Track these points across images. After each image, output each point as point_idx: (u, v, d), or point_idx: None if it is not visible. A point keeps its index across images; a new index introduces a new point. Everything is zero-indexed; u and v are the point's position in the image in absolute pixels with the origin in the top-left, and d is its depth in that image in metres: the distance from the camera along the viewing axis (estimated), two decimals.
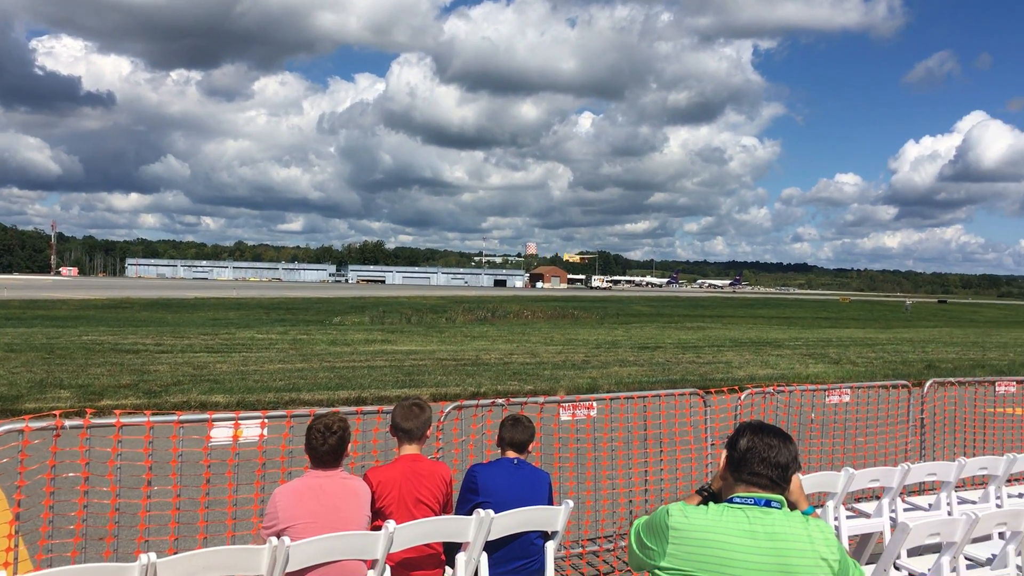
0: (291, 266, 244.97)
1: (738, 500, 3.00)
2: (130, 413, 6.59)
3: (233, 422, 5.80)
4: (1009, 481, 7.66)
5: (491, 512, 4.79)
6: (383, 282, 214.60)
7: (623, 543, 7.31)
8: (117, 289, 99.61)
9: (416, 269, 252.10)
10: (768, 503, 2.97)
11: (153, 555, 3.73)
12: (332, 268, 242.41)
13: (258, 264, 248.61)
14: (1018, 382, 10.86)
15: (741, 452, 3.07)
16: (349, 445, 4.79)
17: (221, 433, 5.79)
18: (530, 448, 5.44)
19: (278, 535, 4.33)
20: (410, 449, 5.13)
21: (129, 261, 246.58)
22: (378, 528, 4.54)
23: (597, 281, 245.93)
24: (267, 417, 5.89)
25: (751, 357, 28.13)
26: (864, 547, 6.82)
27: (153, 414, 5.72)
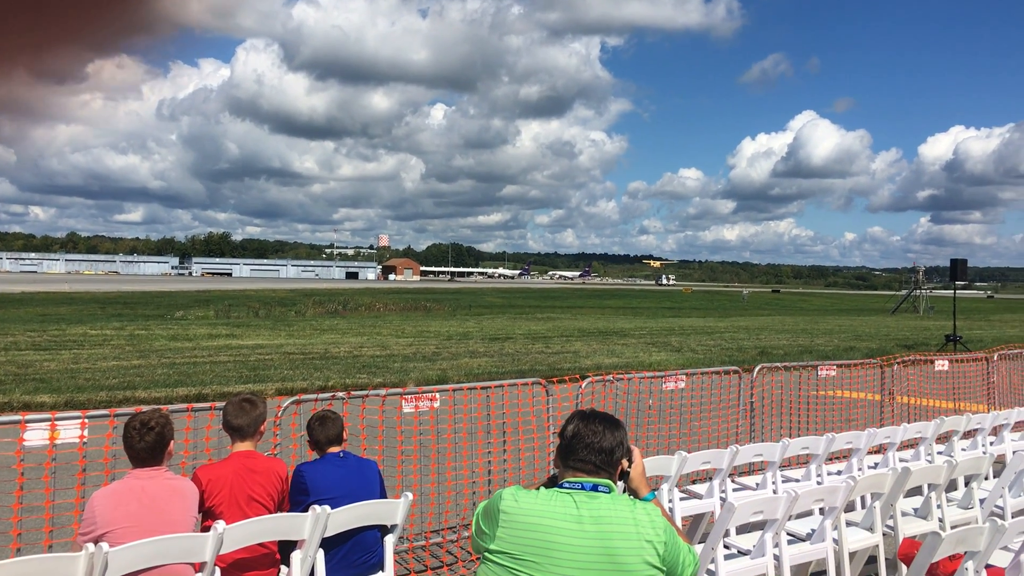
0: (130, 258, 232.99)
1: (567, 485, 3.04)
2: None
3: (49, 423, 5.44)
4: (829, 459, 8.14)
5: (327, 508, 4.69)
6: (230, 275, 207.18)
7: (467, 534, 7.33)
8: None
9: (265, 261, 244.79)
10: (595, 487, 3.02)
11: None
12: (175, 261, 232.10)
13: (93, 256, 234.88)
14: (838, 366, 11.57)
15: (568, 439, 3.11)
16: (171, 443, 4.55)
17: (36, 436, 5.42)
18: (344, 436, 5.33)
19: (96, 541, 4.08)
20: (243, 446, 4.96)
21: None
22: (208, 529, 4.36)
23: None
24: (88, 417, 5.56)
25: (598, 347, 28.83)
26: (697, 527, 7.10)
27: None
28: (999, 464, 7.82)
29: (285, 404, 6.69)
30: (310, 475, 5.08)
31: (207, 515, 4.72)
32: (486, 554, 3.01)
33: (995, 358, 14.25)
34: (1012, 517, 6.42)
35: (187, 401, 13.70)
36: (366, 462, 5.38)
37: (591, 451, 3.06)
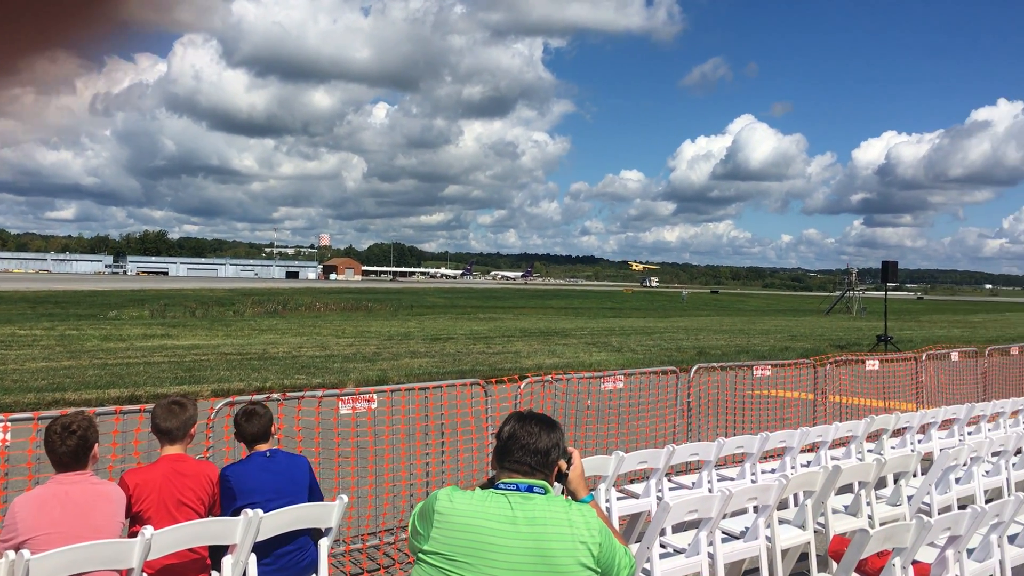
0: (62, 256, 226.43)
1: (502, 486, 3.03)
2: None
3: None
4: (764, 458, 8.27)
5: (259, 512, 4.61)
6: (166, 274, 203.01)
7: (404, 535, 7.28)
8: None
9: (202, 260, 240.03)
10: (530, 488, 3.02)
11: None
12: (109, 259, 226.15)
13: (23, 254, 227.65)
14: (773, 366, 11.77)
15: (504, 440, 3.11)
16: (96, 446, 4.43)
17: None
18: (274, 430, 5.22)
19: (17, 548, 3.95)
20: (172, 450, 4.84)
21: None
22: (135, 534, 4.25)
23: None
24: (11, 420, 5.38)
25: (539, 347, 28.91)
26: (634, 526, 7.15)
27: None
28: (927, 462, 8.03)
29: (218, 406, 6.55)
30: (235, 478, 4.97)
31: (135, 520, 4.60)
32: (420, 555, 3.00)
33: (923, 358, 14.63)
34: (938, 514, 6.58)
35: (119, 403, 13.38)
36: (297, 460, 5.26)
37: (526, 452, 3.06)
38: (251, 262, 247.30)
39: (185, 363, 21.11)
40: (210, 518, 4.74)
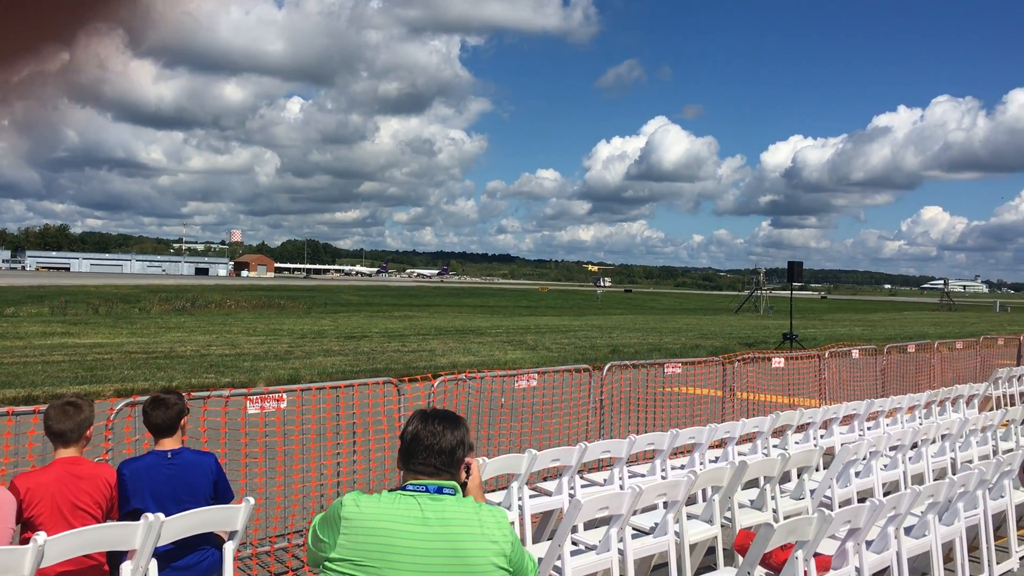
0: None
1: (411, 488, 2.99)
2: None
3: None
4: (674, 454, 8.40)
5: (161, 516, 4.45)
6: (68, 269, 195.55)
7: None
8: None
9: (106, 256, 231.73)
10: (440, 490, 2.98)
11: None
12: (6, 254, 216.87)
13: None
14: (684, 363, 11.98)
15: (408, 442, 3.06)
16: None
17: None
18: (183, 423, 5.04)
19: None
20: (67, 453, 4.64)
21: None
22: (27, 541, 4.06)
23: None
24: None
25: (455, 345, 28.87)
26: (546, 524, 7.18)
27: None
28: (828, 456, 8.26)
29: (119, 406, 6.32)
30: (131, 476, 4.76)
31: (27, 526, 4.40)
32: (326, 563, 2.92)
33: (826, 355, 15.11)
34: (839, 507, 6.78)
35: (15, 404, 12.82)
36: (203, 458, 5.06)
37: (431, 453, 3.01)
38: (158, 258, 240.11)
39: (87, 362, 20.40)
40: (108, 523, 4.57)
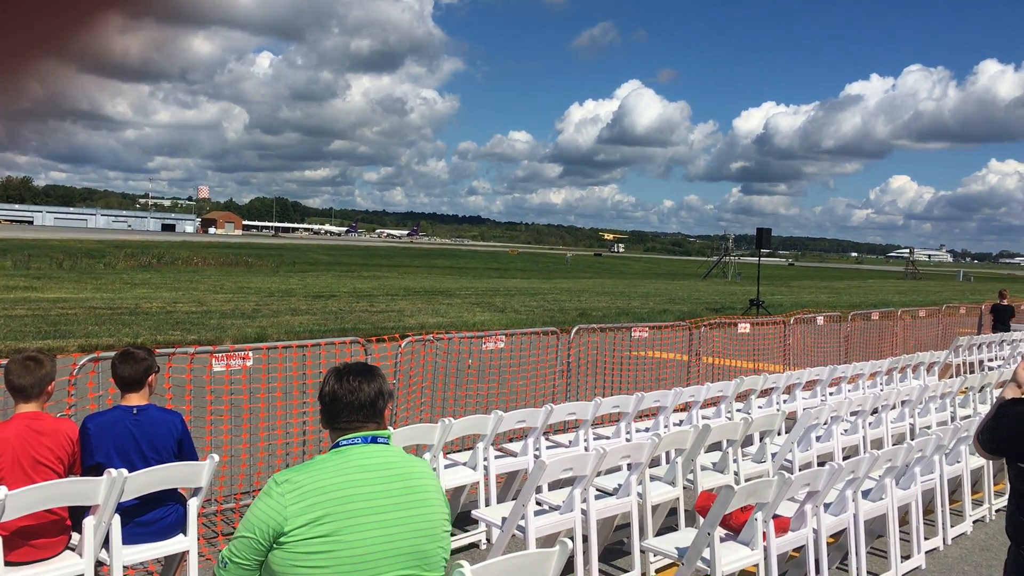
0: None
1: (345, 442, 2.93)
2: None
3: None
4: (639, 417, 8.48)
5: (124, 472, 4.43)
6: (31, 223, 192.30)
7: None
8: None
9: (71, 210, 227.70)
10: (375, 439, 2.95)
11: None
12: None
13: None
14: (651, 328, 12.07)
15: (328, 402, 2.99)
16: None
17: None
18: (150, 380, 4.99)
19: None
20: (28, 408, 4.58)
21: None
22: None
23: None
24: None
25: (423, 306, 28.83)
26: (511, 484, 7.24)
27: None
28: (791, 420, 8.39)
29: (82, 362, 6.25)
30: (95, 430, 4.72)
31: None
32: (280, 542, 2.74)
33: (791, 322, 15.28)
34: (799, 470, 6.90)
35: None
36: (169, 416, 5.01)
37: (352, 409, 2.95)
38: (124, 213, 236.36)
39: (50, 317, 20.13)
40: (70, 478, 4.53)
